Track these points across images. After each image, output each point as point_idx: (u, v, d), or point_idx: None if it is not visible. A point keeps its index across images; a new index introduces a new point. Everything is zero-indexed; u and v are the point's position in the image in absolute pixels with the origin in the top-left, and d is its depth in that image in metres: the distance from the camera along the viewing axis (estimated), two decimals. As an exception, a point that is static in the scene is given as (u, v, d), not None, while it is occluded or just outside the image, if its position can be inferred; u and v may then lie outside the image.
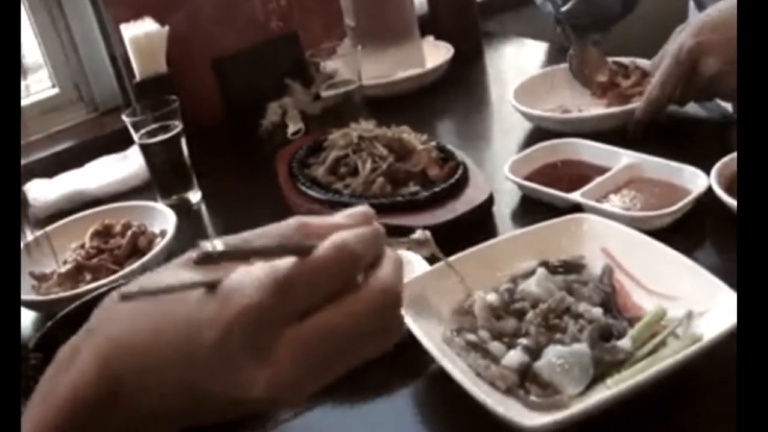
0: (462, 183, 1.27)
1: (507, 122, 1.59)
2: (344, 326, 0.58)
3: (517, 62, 1.96)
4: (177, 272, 0.60)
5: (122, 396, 0.57)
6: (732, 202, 1.09)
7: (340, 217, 0.64)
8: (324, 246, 0.59)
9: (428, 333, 0.93)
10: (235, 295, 0.56)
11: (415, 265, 1.07)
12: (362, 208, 0.66)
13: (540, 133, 1.46)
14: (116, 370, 0.58)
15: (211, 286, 0.57)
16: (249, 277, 0.57)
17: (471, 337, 0.92)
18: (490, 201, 1.25)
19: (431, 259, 0.99)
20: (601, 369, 0.87)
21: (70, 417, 0.57)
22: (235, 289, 0.57)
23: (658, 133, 1.43)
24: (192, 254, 0.58)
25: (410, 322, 0.92)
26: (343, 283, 0.59)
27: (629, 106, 1.44)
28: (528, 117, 1.54)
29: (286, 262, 0.57)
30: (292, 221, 0.63)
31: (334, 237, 0.59)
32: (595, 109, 1.52)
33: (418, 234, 0.81)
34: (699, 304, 0.90)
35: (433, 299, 0.98)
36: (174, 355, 0.57)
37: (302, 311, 0.58)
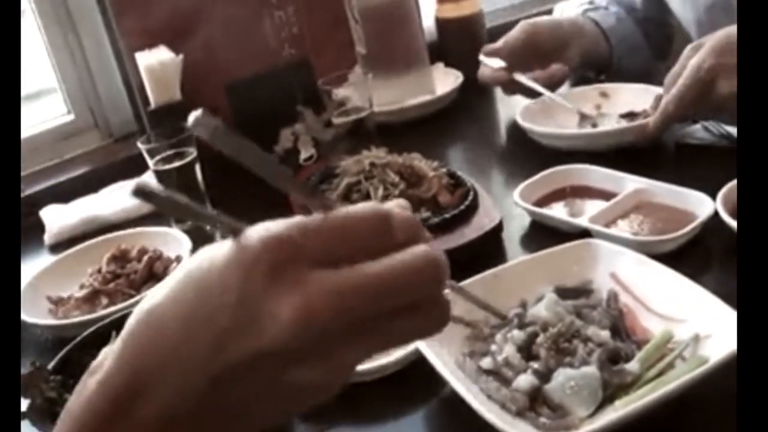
0: (472, 209, 1.29)
1: (516, 148, 1.60)
2: (381, 282, 0.52)
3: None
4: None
5: (143, 390, 0.55)
6: (736, 225, 1.09)
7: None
8: (361, 205, 0.55)
9: (441, 356, 0.94)
10: (260, 230, 0.52)
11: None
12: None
13: (549, 158, 1.47)
14: (137, 354, 0.55)
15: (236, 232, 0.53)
16: (276, 222, 0.53)
17: (484, 362, 0.95)
18: (499, 227, 1.27)
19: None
20: (610, 391, 0.89)
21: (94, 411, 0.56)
22: (260, 228, 0.53)
23: (665, 158, 1.46)
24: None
25: (422, 345, 0.94)
26: (377, 244, 0.54)
27: (641, 121, 1.47)
28: (537, 135, 1.57)
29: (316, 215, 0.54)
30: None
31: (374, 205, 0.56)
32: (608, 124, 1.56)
33: None
34: (705, 328, 0.92)
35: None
36: (195, 313, 0.54)
37: (333, 260, 0.52)
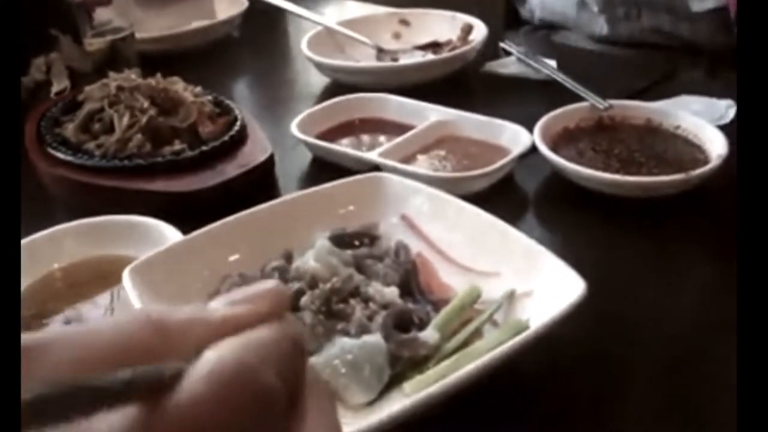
0: (238, 141, 1.08)
1: (307, 81, 1.44)
2: None
3: (322, 16, 1.77)
4: None
5: None
6: (558, 160, 0.96)
7: (227, 304, 0.32)
8: (198, 374, 0.29)
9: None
10: None
11: (164, 232, 0.85)
12: (270, 286, 0.33)
13: (343, 91, 1.28)
14: None
15: None
16: None
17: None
18: (269, 162, 1.06)
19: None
20: (399, 368, 0.69)
21: None
22: None
23: (473, 90, 1.33)
24: None
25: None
26: None
27: (449, 54, 1.34)
28: (324, 69, 1.39)
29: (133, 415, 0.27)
30: (140, 317, 0.30)
31: (219, 351, 0.29)
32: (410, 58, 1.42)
33: None
34: (523, 282, 0.75)
35: (181, 278, 0.77)
36: None
37: None
